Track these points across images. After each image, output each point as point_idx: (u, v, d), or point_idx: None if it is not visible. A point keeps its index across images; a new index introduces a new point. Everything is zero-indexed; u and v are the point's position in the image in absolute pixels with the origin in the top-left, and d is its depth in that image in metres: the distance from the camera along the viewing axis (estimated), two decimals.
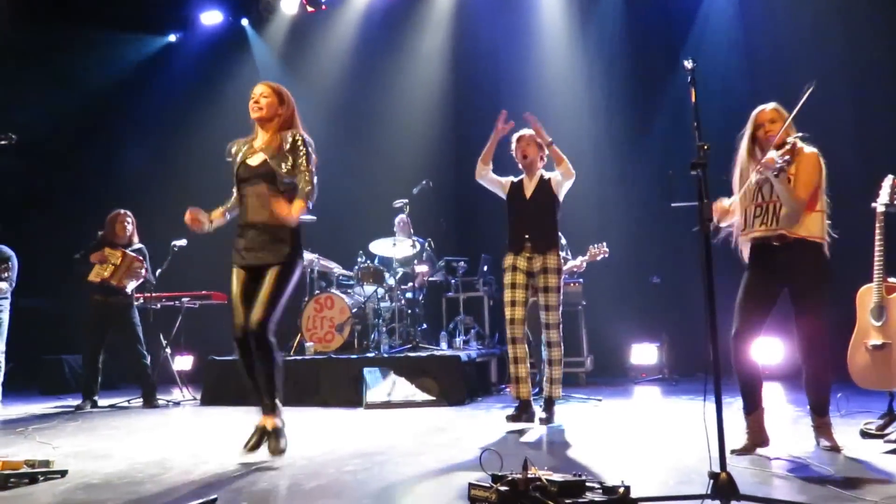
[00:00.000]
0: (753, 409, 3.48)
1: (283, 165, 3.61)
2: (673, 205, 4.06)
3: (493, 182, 4.84)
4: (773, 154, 3.30)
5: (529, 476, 2.37)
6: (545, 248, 4.63)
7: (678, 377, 7.29)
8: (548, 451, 3.69)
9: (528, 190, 4.75)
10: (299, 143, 3.66)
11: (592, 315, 7.64)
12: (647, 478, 2.94)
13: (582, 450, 3.73)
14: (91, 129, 9.94)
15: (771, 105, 3.53)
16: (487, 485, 2.44)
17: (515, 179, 4.85)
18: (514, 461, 2.63)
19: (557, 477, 2.42)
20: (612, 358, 8.04)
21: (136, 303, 6.54)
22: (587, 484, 2.43)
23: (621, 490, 2.39)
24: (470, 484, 2.52)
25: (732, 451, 3.30)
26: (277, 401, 3.62)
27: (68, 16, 9.04)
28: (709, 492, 2.34)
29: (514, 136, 4.79)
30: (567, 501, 2.27)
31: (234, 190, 3.82)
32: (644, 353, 7.69)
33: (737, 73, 7.65)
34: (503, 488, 2.33)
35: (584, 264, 6.05)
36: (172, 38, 10.48)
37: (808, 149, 3.44)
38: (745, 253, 3.59)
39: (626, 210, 8.09)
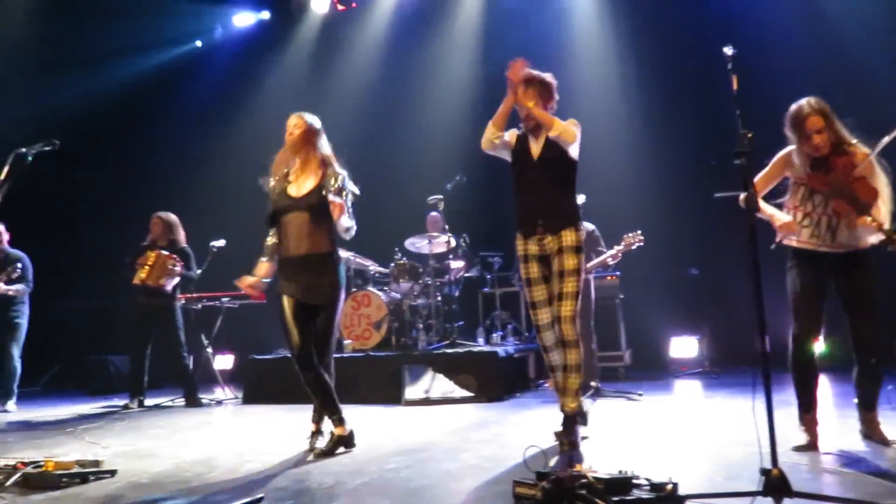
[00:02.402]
0: (812, 407, 3.39)
1: (325, 194, 3.75)
2: (716, 195, 3.91)
3: (503, 146, 3.88)
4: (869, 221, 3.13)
5: (575, 473, 2.35)
6: (559, 225, 3.73)
7: (720, 370, 7.17)
8: (590, 447, 3.65)
9: (535, 150, 3.81)
10: (332, 178, 3.80)
11: (630, 308, 7.57)
12: (693, 474, 2.89)
13: (625, 446, 3.69)
14: (130, 133, 10.14)
15: (814, 106, 3.28)
16: (532, 482, 2.43)
17: (520, 132, 3.94)
18: (557, 458, 2.61)
19: (603, 474, 2.40)
20: (651, 352, 7.96)
21: (178, 303, 6.64)
22: (634, 481, 2.40)
23: (669, 487, 2.36)
24: (514, 481, 2.50)
25: (795, 448, 3.24)
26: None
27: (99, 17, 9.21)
28: (761, 488, 2.29)
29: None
30: (614, 499, 2.25)
31: (270, 228, 3.94)
32: (684, 347, 7.59)
33: (780, 59, 7.48)
34: (548, 486, 2.32)
35: (620, 254, 5.99)
36: (199, 43, 10.64)
37: (862, 148, 3.25)
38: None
39: (662, 201, 7.98)
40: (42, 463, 3.18)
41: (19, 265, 6.60)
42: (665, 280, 7.87)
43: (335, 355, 6.57)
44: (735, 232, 2.90)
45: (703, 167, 7.76)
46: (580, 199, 6.06)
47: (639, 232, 5.90)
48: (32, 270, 6.78)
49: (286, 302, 3.79)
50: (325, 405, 3.83)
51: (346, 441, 3.81)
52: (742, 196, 2.71)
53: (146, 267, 6.36)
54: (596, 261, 6.05)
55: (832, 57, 7.21)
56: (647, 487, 2.39)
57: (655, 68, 8.25)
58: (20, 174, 3.68)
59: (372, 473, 3.16)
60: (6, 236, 6.76)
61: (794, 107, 3.34)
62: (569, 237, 3.70)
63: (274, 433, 4.64)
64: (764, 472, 2.31)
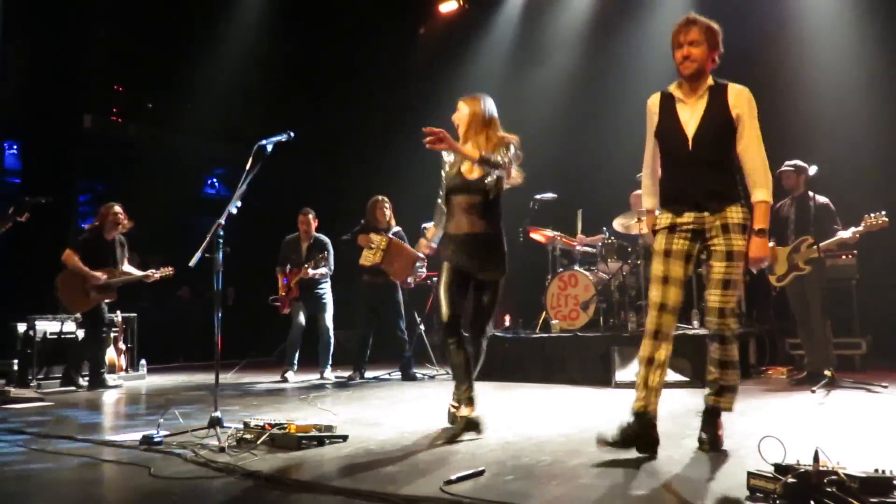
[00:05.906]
0: None
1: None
2: None
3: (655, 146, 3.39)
4: None
5: (822, 469, 2.14)
6: (720, 205, 3.13)
7: None
8: (833, 441, 3.32)
9: (691, 122, 3.18)
10: (502, 148, 3.79)
11: (868, 291, 6.80)
12: None
13: (872, 442, 3.31)
14: (350, 124, 10.90)
15: None
16: (770, 475, 2.25)
17: (666, 93, 3.36)
18: (796, 451, 2.38)
19: (856, 472, 2.16)
20: (893, 340, 7.09)
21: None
22: (895, 482, 2.14)
23: None
24: (749, 473, 2.33)
25: None
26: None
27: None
28: None
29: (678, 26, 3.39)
30: (872, 500, 2.01)
31: (440, 201, 4.00)
32: None
33: None
34: (792, 480, 2.12)
35: (858, 236, 5.40)
36: (422, 30, 11.14)
37: None
38: None
39: None
40: (285, 425, 3.50)
41: (327, 252, 7.20)
42: None
43: (542, 335, 6.66)
44: None
45: None
46: (812, 170, 5.55)
47: (883, 213, 5.25)
48: (333, 254, 7.37)
49: (446, 270, 3.83)
50: (460, 378, 3.81)
51: (475, 425, 3.63)
52: None
53: (378, 251, 6.43)
54: (830, 240, 5.51)
55: None
56: None
57: None
58: (262, 164, 4.03)
59: (590, 454, 3.10)
60: (315, 223, 7.39)
61: None
62: (735, 213, 3.11)
63: (486, 409, 4.73)
64: None
